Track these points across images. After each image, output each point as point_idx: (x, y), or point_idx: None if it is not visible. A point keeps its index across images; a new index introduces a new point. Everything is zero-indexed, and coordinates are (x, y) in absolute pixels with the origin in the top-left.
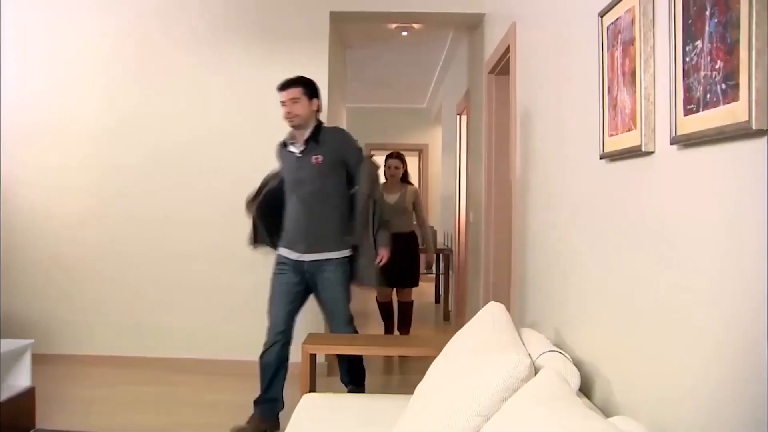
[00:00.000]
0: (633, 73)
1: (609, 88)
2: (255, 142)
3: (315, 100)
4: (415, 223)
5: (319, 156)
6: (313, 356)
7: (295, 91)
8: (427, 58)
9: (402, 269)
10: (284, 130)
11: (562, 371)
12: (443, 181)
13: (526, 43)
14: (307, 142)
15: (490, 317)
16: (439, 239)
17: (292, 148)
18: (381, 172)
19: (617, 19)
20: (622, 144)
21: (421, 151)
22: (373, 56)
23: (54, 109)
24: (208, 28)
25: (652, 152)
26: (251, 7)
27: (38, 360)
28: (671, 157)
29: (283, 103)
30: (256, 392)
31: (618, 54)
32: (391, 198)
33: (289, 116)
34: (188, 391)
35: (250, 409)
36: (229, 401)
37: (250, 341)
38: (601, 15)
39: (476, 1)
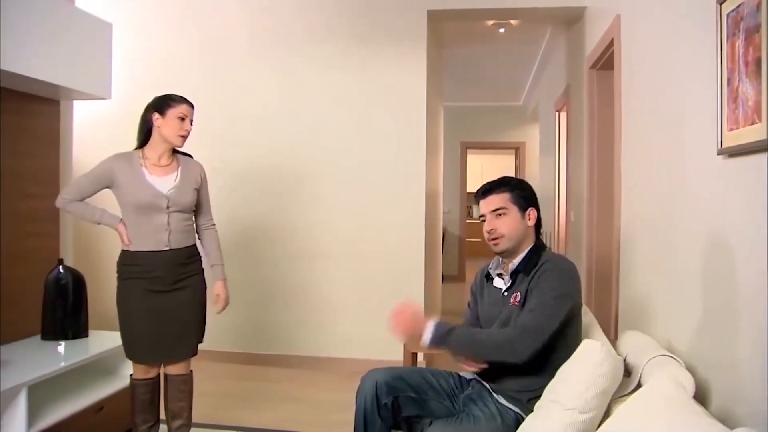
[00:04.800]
0: (757, 63)
1: (729, 79)
2: (352, 143)
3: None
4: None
5: (517, 294)
6: (414, 355)
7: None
8: (524, 54)
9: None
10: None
11: (675, 376)
12: (541, 179)
13: (631, 35)
14: (514, 273)
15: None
16: None
17: (498, 283)
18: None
19: (739, 5)
20: (743, 138)
21: (517, 150)
22: (469, 54)
23: None
24: (308, 31)
25: None
26: (350, 10)
27: None
28: None
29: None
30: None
31: (740, 43)
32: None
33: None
34: (290, 387)
35: (349, 407)
36: (330, 399)
37: (352, 339)
38: (720, 2)
39: None
